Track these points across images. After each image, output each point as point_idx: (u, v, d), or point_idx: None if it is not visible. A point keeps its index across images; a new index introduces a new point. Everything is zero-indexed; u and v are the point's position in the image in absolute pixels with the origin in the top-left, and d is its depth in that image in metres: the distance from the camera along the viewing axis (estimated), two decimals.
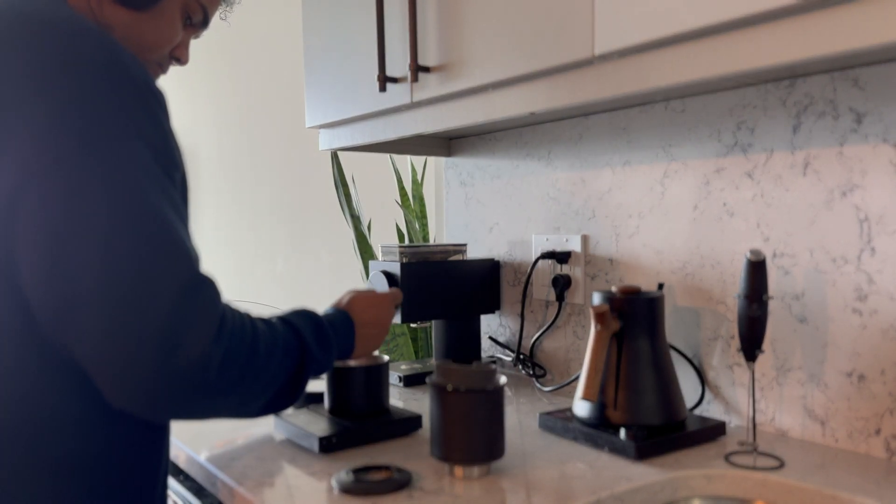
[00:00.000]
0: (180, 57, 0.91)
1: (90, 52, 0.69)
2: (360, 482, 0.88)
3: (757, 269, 0.97)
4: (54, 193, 0.64)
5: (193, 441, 1.09)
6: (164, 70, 0.91)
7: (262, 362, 0.75)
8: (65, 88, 0.66)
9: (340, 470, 0.92)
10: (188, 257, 0.68)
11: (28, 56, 0.67)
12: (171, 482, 1.11)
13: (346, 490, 0.87)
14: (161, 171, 0.70)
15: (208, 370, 0.67)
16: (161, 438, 0.81)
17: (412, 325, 1.47)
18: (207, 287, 0.69)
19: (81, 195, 0.64)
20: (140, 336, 0.63)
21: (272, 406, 0.81)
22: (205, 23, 0.91)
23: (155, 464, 0.80)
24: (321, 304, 2.43)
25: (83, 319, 0.64)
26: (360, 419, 1.08)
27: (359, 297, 0.98)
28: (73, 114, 0.66)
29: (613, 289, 1.08)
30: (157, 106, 0.72)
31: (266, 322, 0.79)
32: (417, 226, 1.87)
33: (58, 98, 0.66)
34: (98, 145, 0.66)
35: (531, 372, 1.45)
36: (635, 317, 1.04)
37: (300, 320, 0.84)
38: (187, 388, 0.66)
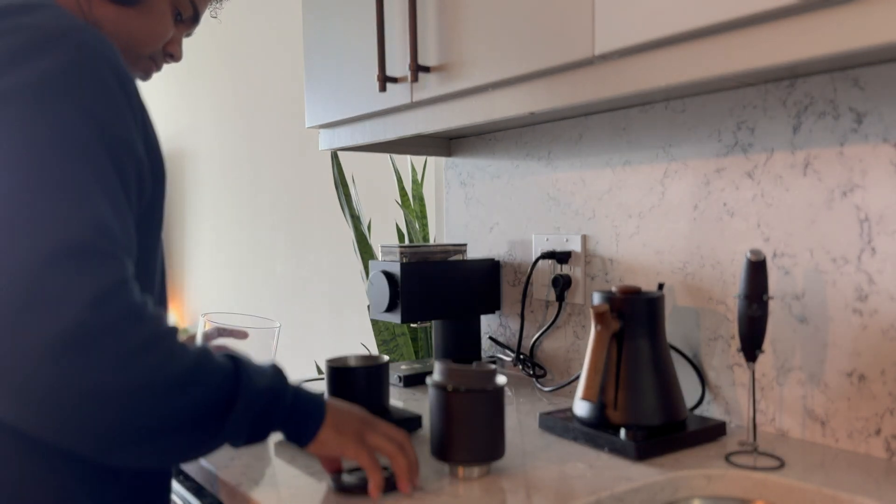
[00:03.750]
0: (174, 53, 0.91)
1: (44, 20, 0.67)
2: (357, 481, 0.87)
3: (757, 269, 0.97)
4: None
5: None
6: (157, 66, 0.91)
7: (163, 359, 0.63)
8: (13, 46, 0.64)
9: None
10: (83, 220, 0.61)
11: None
12: (172, 482, 1.11)
13: (343, 489, 0.87)
14: (100, 146, 0.65)
15: (84, 340, 0.58)
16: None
17: (412, 325, 1.47)
18: (96, 255, 0.61)
19: None
20: (2, 306, 0.57)
21: (178, 437, 0.65)
22: (195, 19, 0.91)
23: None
24: (321, 305, 2.41)
25: None
26: None
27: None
28: (15, 68, 0.63)
29: (613, 289, 1.08)
30: (118, 85, 0.69)
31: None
32: (417, 226, 1.87)
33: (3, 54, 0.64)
34: (27, 102, 0.63)
35: (531, 372, 1.45)
36: (635, 317, 1.04)
37: (241, 358, 0.73)
38: (63, 363, 0.57)
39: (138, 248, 0.72)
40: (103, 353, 0.59)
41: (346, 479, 0.88)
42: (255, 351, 1.14)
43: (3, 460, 0.68)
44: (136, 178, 0.71)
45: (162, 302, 0.86)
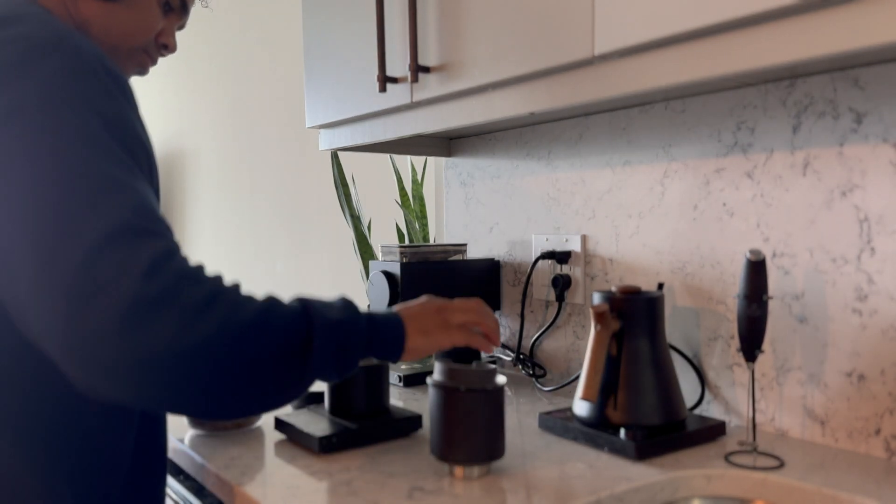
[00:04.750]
0: (167, 44, 0.91)
1: (34, 29, 0.68)
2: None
3: (757, 269, 0.97)
4: None
5: (193, 441, 1.09)
6: (153, 59, 0.91)
7: (228, 311, 0.65)
8: (7, 59, 0.66)
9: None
10: (122, 205, 0.64)
11: None
12: (171, 482, 1.11)
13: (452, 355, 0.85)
14: (112, 139, 0.67)
15: (146, 310, 0.60)
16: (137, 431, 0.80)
17: None
18: (139, 234, 0.63)
19: (12, 155, 0.63)
20: (57, 287, 0.60)
21: (267, 382, 0.67)
22: (184, 8, 0.91)
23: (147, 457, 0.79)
24: None
25: (14, 280, 0.62)
26: (360, 419, 1.08)
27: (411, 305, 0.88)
28: (14, 82, 0.65)
29: (613, 289, 1.08)
30: (111, 83, 0.70)
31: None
32: (417, 226, 1.87)
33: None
34: (41, 111, 0.64)
35: (531, 372, 1.45)
36: (635, 317, 1.04)
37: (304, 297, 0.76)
38: (132, 336, 0.60)
39: None
40: (167, 319, 0.61)
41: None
42: None
43: None
44: (147, 170, 0.73)
45: None
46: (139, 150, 0.71)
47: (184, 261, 0.65)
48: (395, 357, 0.82)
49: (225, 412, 0.67)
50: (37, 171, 0.63)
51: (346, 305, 0.78)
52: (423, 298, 0.89)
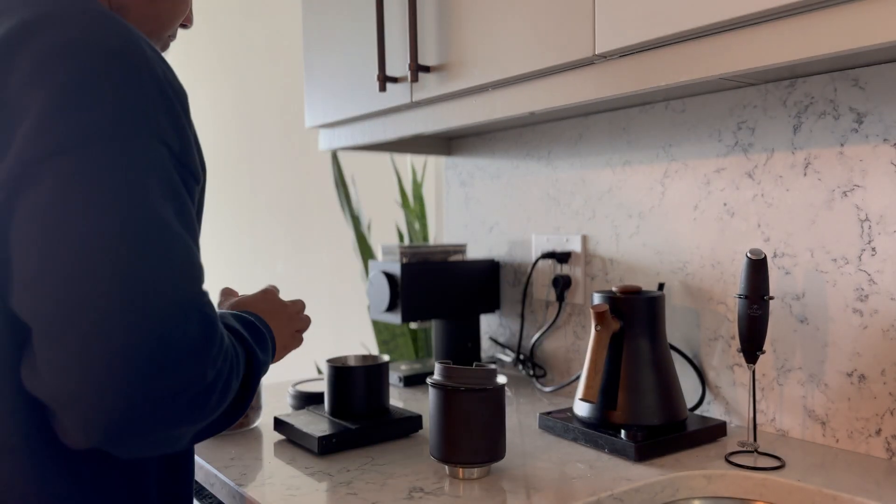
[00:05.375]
0: (187, 23, 0.90)
1: (101, 36, 0.62)
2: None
3: (757, 269, 0.97)
4: (48, 186, 0.57)
5: None
6: (174, 38, 0.90)
7: (234, 381, 0.68)
8: (68, 72, 0.59)
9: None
10: (192, 276, 0.62)
11: (34, 48, 0.61)
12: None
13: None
14: (178, 178, 0.64)
15: (203, 393, 0.61)
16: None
17: (412, 326, 1.47)
18: (208, 309, 0.63)
19: (79, 191, 0.57)
20: (119, 358, 0.55)
21: (224, 420, 0.72)
22: None
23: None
24: (321, 304, 2.41)
25: (60, 334, 0.56)
26: (359, 419, 1.08)
27: (253, 300, 0.91)
28: (77, 99, 0.59)
29: (614, 289, 1.08)
30: (180, 106, 0.66)
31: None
32: (417, 226, 1.87)
33: (60, 83, 0.59)
34: (106, 137, 0.59)
35: (531, 372, 1.44)
36: (635, 317, 1.04)
37: (238, 324, 0.78)
38: (174, 415, 0.59)
39: None
40: (213, 401, 0.63)
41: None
42: None
43: None
44: (198, 196, 0.71)
45: None
46: (192, 181, 0.68)
47: (223, 335, 0.65)
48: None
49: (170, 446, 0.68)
50: (100, 219, 0.58)
51: (264, 346, 0.80)
52: (271, 298, 0.92)
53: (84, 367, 0.55)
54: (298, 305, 0.95)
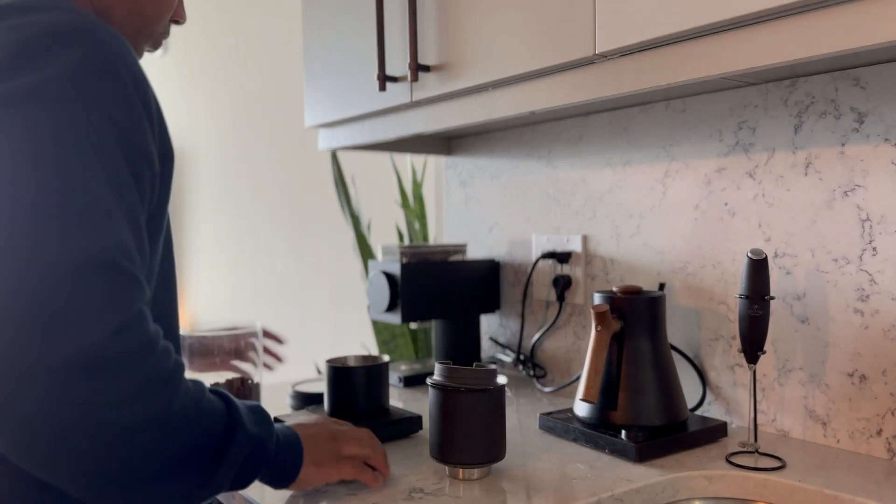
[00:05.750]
0: (179, 19, 0.90)
1: (54, 18, 0.64)
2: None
3: (758, 269, 0.97)
4: None
5: None
6: (166, 36, 0.89)
7: (170, 398, 0.61)
8: (15, 42, 0.61)
9: None
10: (108, 237, 0.59)
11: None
12: None
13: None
14: (119, 152, 0.63)
15: (100, 367, 0.55)
16: None
17: (412, 326, 1.47)
18: (121, 278, 0.59)
19: (11, 142, 0.58)
20: (15, 318, 0.54)
21: (181, 476, 0.63)
22: None
23: None
24: (321, 305, 2.41)
25: None
26: (359, 420, 1.07)
27: (309, 427, 0.85)
28: (18, 63, 0.60)
29: (614, 289, 1.08)
30: (133, 88, 0.66)
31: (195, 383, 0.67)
32: (417, 226, 1.87)
33: (4, 48, 0.61)
34: (51, 99, 0.59)
35: (531, 372, 1.44)
36: (636, 317, 1.04)
37: (230, 398, 0.72)
38: (71, 388, 0.54)
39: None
40: (113, 386, 0.56)
41: None
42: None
43: None
44: (149, 189, 0.68)
45: (172, 309, 0.82)
46: (145, 166, 0.66)
47: (148, 324, 0.61)
48: (283, 485, 0.80)
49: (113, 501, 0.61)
50: (30, 169, 0.58)
51: (262, 418, 0.74)
52: (319, 419, 0.88)
53: None
54: (357, 433, 0.87)
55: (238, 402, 0.72)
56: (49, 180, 0.58)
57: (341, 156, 2.41)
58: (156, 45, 0.88)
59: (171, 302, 0.82)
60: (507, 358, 1.53)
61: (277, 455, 0.76)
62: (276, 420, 0.77)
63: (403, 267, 1.36)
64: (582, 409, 1.07)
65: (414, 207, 1.87)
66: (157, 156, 0.69)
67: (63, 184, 0.58)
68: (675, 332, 1.21)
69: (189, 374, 0.97)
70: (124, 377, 0.57)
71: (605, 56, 0.90)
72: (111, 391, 0.56)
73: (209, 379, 1.13)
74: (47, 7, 0.67)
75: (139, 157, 0.65)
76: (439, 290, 1.42)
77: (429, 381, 0.92)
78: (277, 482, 0.79)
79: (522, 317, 1.46)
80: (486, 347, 1.61)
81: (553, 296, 1.43)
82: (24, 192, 0.57)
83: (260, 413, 0.75)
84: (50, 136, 0.59)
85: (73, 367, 0.54)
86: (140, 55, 0.86)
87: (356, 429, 0.89)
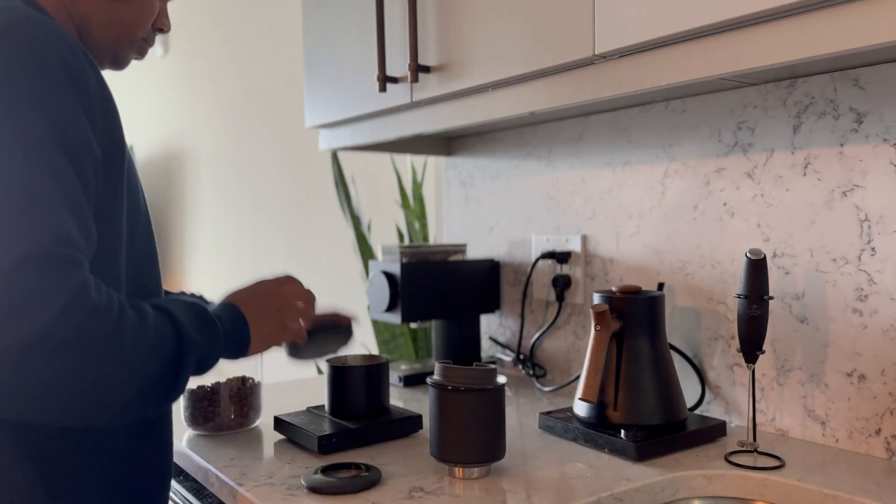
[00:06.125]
0: (162, 27, 0.92)
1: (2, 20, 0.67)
2: (328, 480, 0.88)
3: (757, 269, 0.97)
4: None
5: (193, 441, 1.09)
6: (150, 44, 0.92)
7: (128, 346, 0.68)
8: None
9: (310, 470, 0.92)
10: (43, 230, 0.63)
11: None
12: (172, 482, 1.11)
13: (314, 489, 0.87)
14: (57, 146, 0.66)
15: (53, 348, 0.62)
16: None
17: (412, 326, 1.47)
18: (58, 264, 0.64)
19: None
20: None
21: (146, 398, 0.72)
22: None
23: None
24: (321, 305, 2.40)
25: None
26: (360, 419, 1.08)
27: (239, 291, 0.92)
28: None
29: (613, 289, 1.08)
30: (68, 81, 0.69)
31: (137, 308, 0.73)
32: (417, 226, 1.87)
33: None
34: None
35: (531, 372, 1.45)
36: (635, 317, 1.04)
37: (177, 308, 0.78)
38: (30, 368, 0.62)
39: (100, 234, 0.73)
40: (70, 358, 0.63)
41: (315, 477, 0.89)
42: None
43: None
44: (93, 174, 0.71)
45: (156, 283, 0.87)
46: (84, 153, 0.69)
47: (89, 294, 0.65)
48: (239, 355, 0.88)
49: (108, 421, 0.73)
50: None
51: (206, 323, 0.80)
52: (264, 285, 0.93)
53: None
54: (297, 295, 0.94)
55: (180, 313, 0.77)
56: None
57: (341, 156, 2.41)
58: (141, 52, 0.90)
59: (155, 277, 0.87)
60: (507, 358, 1.54)
61: (226, 347, 0.84)
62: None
63: (403, 267, 1.36)
64: (581, 408, 1.07)
65: (414, 207, 1.87)
66: (99, 141, 0.72)
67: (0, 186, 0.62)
68: (675, 331, 1.21)
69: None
70: (77, 348, 0.63)
71: (605, 57, 0.90)
72: (68, 362, 0.63)
73: (209, 378, 1.13)
74: None
75: (76, 146, 0.68)
76: (439, 290, 1.42)
77: (429, 380, 0.92)
78: (234, 356, 0.87)
79: (522, 317, 1.46)
80: (486, 347, 1.61)
81: (553, 296, 1.43)
82: None
83: (202, 317, 0.80)
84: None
85: (28, 351, 0.61)
86: (125, 62, 0.89)
87: (298, 295, 0.94)
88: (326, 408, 1.12)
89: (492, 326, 1.59)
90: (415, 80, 1.15)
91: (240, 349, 0.87)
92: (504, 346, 1.55)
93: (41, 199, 0.64)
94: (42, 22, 0.69)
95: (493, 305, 1.51)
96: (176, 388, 0.75)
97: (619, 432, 0.99)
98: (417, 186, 1.87)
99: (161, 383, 0.72)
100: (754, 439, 0.99)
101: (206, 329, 0.80)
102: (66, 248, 0.64)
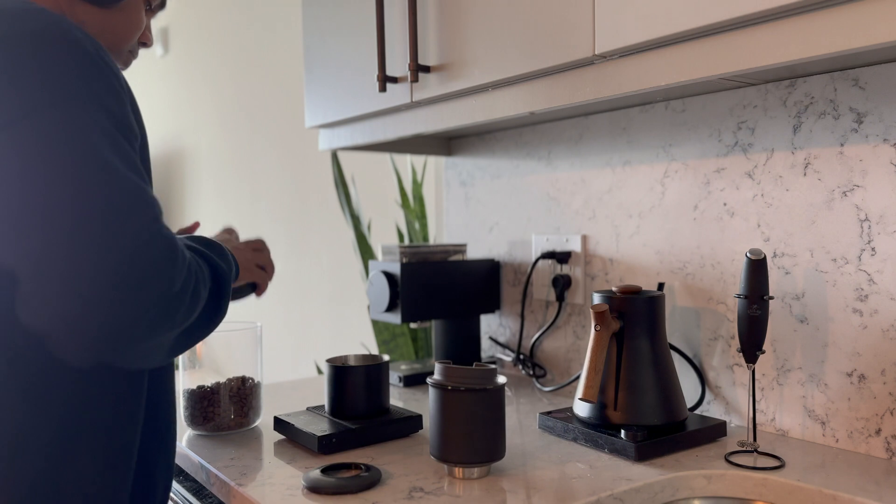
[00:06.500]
0: (146, 41, 0.96)
1: (26, 23, 0.71)
2: (328, 480, 0.88)
3: (757, 269, 0.97)
4: (7, 152, 0.66)
5: (193, 441, 1.09)
6: (135, 56, 0.96)
7: (203, 289, 0.78)
8: (16, 57, 0.68)
9: (310, 470, 0.92)
10: (147, 207, 0.70)
11: None
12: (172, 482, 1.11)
13: (314, 489, 0.87)
14: (119, 134, 0.72)
15: (174, 300, 0.70)
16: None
17: (412, 325, 1.47)
18: (166, 231, 0.71)
19: (34, 152, 0.66)
20: (96, 280, 0.64)
21: (201, 326, 0.81)
22: (162, 5, 0.97)
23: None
24: (321, 305, 2.42)
25: (44, 269, 0.65)
26: (360, 419, 1.08)
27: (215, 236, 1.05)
28: (12, 79, 0.67)
29: (613, 289, 1.08)
30: (113, 77, 0.74)
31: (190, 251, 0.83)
32: (417, 226, 1.87)
33: (8, 65, 0.68)
34: (44, 106, 0.67)
35: (531, 372, 1.45)
36: (635, 317, 1.04)
37: (198, 244, 0.88)
38: (155, 322, 0.69)
39: None
40: (183, 309, 0.73)
41: (316, 477, 0.89)
42: (243, 352, 1.15)
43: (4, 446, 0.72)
44: (138, 150, 0.78)
45: None
46: (133, 137, 0.75)
47: (184, 251, 0.73)
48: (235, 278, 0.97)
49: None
50: (59, 172, 0.66)
51: (222, 254, 0.89)
52: (231, 239, 1.10)
53: (69, 293, 0.64)
54: (257, 244, 1.10)
55: (203, 248, 0.86)
56: (83, 174, 0.67)
57: (341, 156, 2.41)
58: (126, 64, 0.94)
59: None
60: (507, 358, 1.54)
61: (233, 272, 0.93)
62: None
63: (403, 267, 1.37)
64: (581, 408, 1.07)
65: (414, 207, 1.87)
66: (137, 127, 0.78)
67: (94, 173, 0.68)
68: (675, 331, 1.21)
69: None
70: (186, 299, 0.73)
71: (605, 57, 0.90)
72: (182, 312, 0.73)
73: (209, 379, 1.13)
74: (25, 14, 0.72)
75: (131, 134, 0.75)
76: (439, 290, 1.42)
77: (429, 380, 0.92)
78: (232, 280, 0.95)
79: (522, 317, 1.46)
80: (486, 347, 1.61)
81: (553, 296, 1.43)
82: (63, 190, 0.66)
83: (217, 249, 0.89)
84: (65, 138, 0.68)
85: (160, 309, 0.69)
86: None
87: (263, 248, 1.12)
88: (326, 408, 1.12)
89: (492, 326, 1.59)
90: (415, 79, 1.15)
91: (234, 271, 0.94)
92: (504, 346, 1.55)
93: (133, 181, 0.70)
94: (77, 26, 0.74)
95: (493, 305, 1.51)
96: (219, 311, 0.84)
97: (619, 432, 1.00)
98: (417, 186, 1.87)
99: (212, 310, 0.82)
100: (754, 439, 0.99)
101: (224, 258, 0.88)
102: (161, 215, 0.72)
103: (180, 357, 1.14)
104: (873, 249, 0.96)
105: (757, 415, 1.09)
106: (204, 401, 1.11)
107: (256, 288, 1.10)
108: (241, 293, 1.09)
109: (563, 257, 1.38)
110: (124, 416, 0.79)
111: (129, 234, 0.67)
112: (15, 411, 0.71)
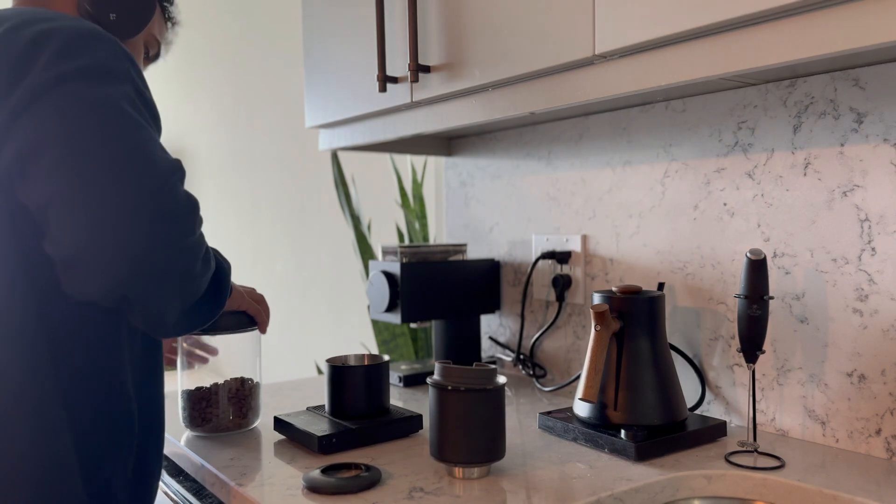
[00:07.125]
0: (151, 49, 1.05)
1: (74, 24, 0.80)
2: (328, 480, 0.88)
3: (757, 269, 0.97)
4: (51, 103, 0.73)
5: (193, 441, 1.09)
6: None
7: (212, 260, 0.85)
8: (57, 41, 0.76)
9: (309, 470, 0.92)
10: (170, 157, 0.79)
11: (26, 34, 0.78)
12: (171, 482, 1.11)
13: (314, 489, 0.87)
14: (143, 108, 0.80)
15: (195, 246, 0.78)
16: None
17: (412, 325, 1.47)
18: (184, 181, 0.80)
19: (75, 106, 0.74)
20: (127, 213, 0.72)
21: (205, 308, 0.86)
22: (157, 56, 1.07)
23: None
24: (321, 305, 2.42)
25: (81, 203, 0.71)
26: (360, 419, 1.08)
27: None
28: (63, 56, 0.76)
29: (614, 289, 1.08)
30: (135, 72, 0.82)
31: None
32: (417, 226, 1.87)
33: (52, 47, 0.76)
34: (83, 76, 0.76)
35: (531, 372, 1.44)
36: (635, 317, 1.04)
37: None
38: (175, 257, 0.76)
39: None
40: (200, 255, 0.80)
41: (315, 477, 0.89)
42: (242, 353, 1.15)
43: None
44: (156, 132, 0.85)
45: None
46: (150, 118, 0.83)
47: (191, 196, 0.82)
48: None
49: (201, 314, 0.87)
50: (90, 123, 0.74)
51: (221, 257, 0.95)
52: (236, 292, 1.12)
53: (102, 223, 0.71)
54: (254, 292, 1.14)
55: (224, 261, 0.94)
56: (121, 126, 0.76)
57: (341, 156, 2.41)
58: None
59: None
60: (507, 358, 1.54)
61: (230, 272, 0.99)
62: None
63: (403, 267, 1.36)
64: (581, 408, 1.07)
65: (414, 207, 1.87)
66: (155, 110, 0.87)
67: (128, 126, 0.76)
68: (675, 331, 1.21)
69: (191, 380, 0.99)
70: (204, 253, 0.82)
71: (605, 57, 0.90)
72: (199, 257, 0.80)
73: (207, 379, 1.13)
74: (61, 17, 0.82)
75: (149, 115, 0.83)
76: (439, 290, 1.42)
77: (429, 380, 0.92)
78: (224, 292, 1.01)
79: (522, 317, 1.46)
80: (486, 347, 1.61)
81: (553, 296, 1.43)
82: (103, 137, 0.74)
83: (222, 258, 0.95)
84: (102, 98, 0.76)
85: (184, 240, 0.77)
86: None
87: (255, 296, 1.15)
88: (326, 408, 1.12)
89: (492, 326, 1.59)
90: (415, 80, 1.15)
91: (227, 291, 0.98)
92: (504, 346, 1.55)
93: (152, 135, 0.78)
94: (109, 35, 0.83)
95: (493, 305, 1.51)
96: (220, 298, 0.89)
97: (620, 432, 0.99)
98: (417, 186, 1.87)
99: (214, 295, 0.87)
100: (754, 439, 0.99)
101: (226, 264, 0.95)
102: (184, 177, 0.80)
103: (179, 357, 1.14)
104: (873, 249, 0.96)
105: (757, 415, 1.09)
106: (202, 402, 1.11)
107: (257, 324, 1.11)
108: (241, 325, 1.08)
109: (563, 257, 1.38)
110: (133, 370, 0.85)
111: (155, 175, 0.74)
112: (36, 350, 0.76)
